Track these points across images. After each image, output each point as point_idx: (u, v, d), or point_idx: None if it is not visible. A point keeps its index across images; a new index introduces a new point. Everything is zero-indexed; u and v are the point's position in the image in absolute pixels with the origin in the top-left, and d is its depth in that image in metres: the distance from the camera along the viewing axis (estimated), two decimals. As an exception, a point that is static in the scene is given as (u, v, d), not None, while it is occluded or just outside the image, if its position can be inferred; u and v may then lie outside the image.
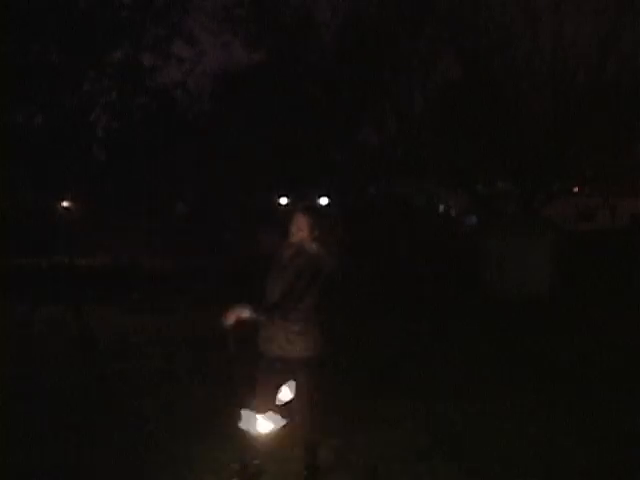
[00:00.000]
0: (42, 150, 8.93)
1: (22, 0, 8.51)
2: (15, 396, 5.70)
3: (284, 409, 3.67)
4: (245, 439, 3.72)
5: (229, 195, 17.48)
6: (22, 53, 8.48)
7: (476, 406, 5.47)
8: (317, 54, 16.10)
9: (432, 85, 15.80)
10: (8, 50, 8.41)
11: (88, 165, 10.01)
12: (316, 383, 3.70)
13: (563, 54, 13.84)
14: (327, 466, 4.04)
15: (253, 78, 16.10)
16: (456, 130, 14.78)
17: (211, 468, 4.13)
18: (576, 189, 21.03)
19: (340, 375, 6.42)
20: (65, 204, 16.31)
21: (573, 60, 13.91)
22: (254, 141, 15.31)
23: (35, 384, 6.25)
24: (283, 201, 23.65)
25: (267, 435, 3.66)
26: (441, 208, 28.62)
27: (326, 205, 20.63)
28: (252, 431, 3.66)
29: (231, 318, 3.51)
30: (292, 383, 3.67)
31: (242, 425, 3.69)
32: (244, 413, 3.68)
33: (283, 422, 3.67)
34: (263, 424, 3.64)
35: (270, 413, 3.64)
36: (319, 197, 20.84)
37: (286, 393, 3.69)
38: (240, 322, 3.53)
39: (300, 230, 3.73)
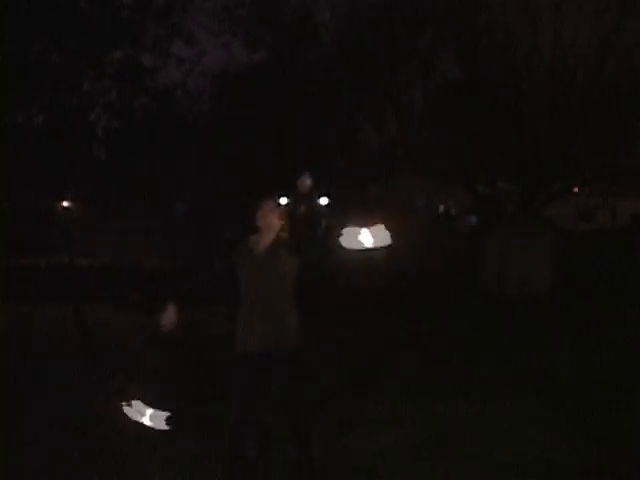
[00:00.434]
0: (42, 150, 8.92)
1: (22, 0, 8.51)
2: (15, 396, 5.70)
3: None
4: None
5: (229, 195, 17.47)
6: (22, 53, 8.46)
7: (476, 406, 5.47)
8: (317, 54, 16.11)
9: (432, 85, 15.81)
10: (8, 50, 8.40)
11: (88, 165, 10.00)
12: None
13: (563, 54, 13.85)
14: (327, 466, 4.04)
15: (253, 78, 16.10)
16: (456, 130, 14.78)
17: (210, 467, 4.13)
18: (576, 189, 21.02)
19: (340, 375, 6.44)
20: (65, 204, 16.30)
21: (573, 60, 13.91)
22: (254, 141, 15.31)
23: (35, 384, 6.25)
24: (283, 201, 23.60)
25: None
26: (441, 208, 28.61)
27: (326, 205, 20.63)
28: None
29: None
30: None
31: None
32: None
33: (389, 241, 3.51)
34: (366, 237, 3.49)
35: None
36: (319, 197, 20.83)
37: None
38: None
39: (271, 212, 3.75)
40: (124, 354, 7.76)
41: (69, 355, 7.61)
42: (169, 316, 3.70)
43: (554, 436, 4.74)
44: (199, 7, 12.21)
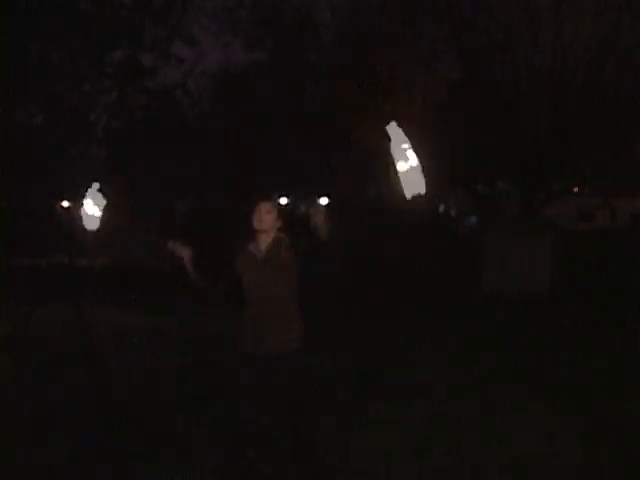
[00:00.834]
0: (42, 150, 8.93)
1: (22, 0, 8.51)
2: (15, 396, 5.70)
3: None
4: None
5: (229, 195, 17.47)
6: (22, 53, 8.47)
7: (476, 406, 5.47)
8: (317, 54, 16.10)
9: (432, 85, 15.80)
10: (8, 50, 8.40)
11: (88, 165, 10.01)
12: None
13: (563, 54, 13.84)
14: (327, 466, 4.04)
15: (253, 78, 16.10)
16: (456, 130, 14.77)
17: (211, 467, 4.14)
18: (576, 189, 21.02)
19: (339, 375, 6.43)
20: (65, 204, 16.31)
21: (573, 60, 13.90)
22: (254, 141, 15.30)
23: (35, 384, 6.24)
24: (283, 201, 23.65)
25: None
26: (441, 208, 28.63)
27: (326, 205, 20.62)
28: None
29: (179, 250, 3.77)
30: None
31: None
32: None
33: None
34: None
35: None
36: (319, 197, 20.84)
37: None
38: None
39: (268, 213, 3.73)
40: (124, 354, 7.75)
41: (69, 355, 7.60)
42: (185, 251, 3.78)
43: (554, 436, 4.75)
44: (199, 7, 12.22)
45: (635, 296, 10.74)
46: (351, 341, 8.19)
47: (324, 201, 20.53)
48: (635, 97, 13.94)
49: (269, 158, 15.37)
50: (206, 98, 16.54)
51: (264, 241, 3.74)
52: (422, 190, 3.49)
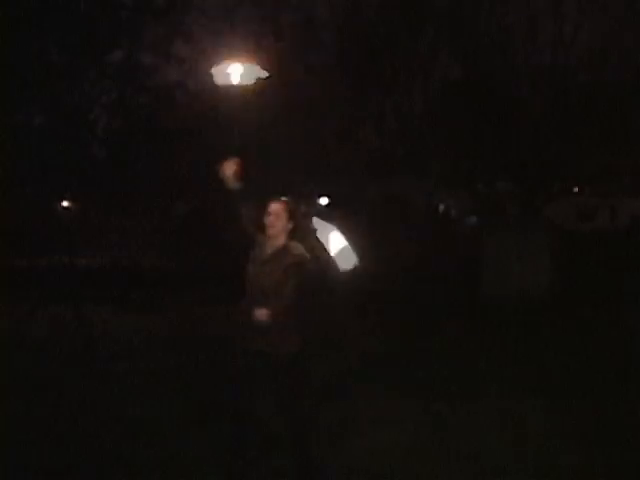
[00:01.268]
0: (42, 150, 8.92)
1: (22, 0, 8.51)
2: (15, 396, 5.70)
3: None
4: None
5: (229, 195, 17.43)
6: (22, 53, 8.47)
7: (476, 406, 5.47)
8: (317, 54, 16.12)
9: (432, 85, 15.82)
10: (8, 50, 8.40)
11: (88, 164, 10.01)
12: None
13: (563, 54, 13.86)
14: (327, 466, 4.04)
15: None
16: (456, 130, 14.78)
17: (211, 467, 4.13)
18: (576, 189, 21.05)
19: (339, 375, 6.43)
20: (65, 204, 16.31)
21: (573, 60, 13.92)
22: (254, 141, 15.29)
23: (35, 384, 6.24)
24: (324, 201, 23.52)
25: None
26: (441, 208, 28.59)
27: (326, 205, 20.63)
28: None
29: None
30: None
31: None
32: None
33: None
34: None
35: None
36: (319, 197, 20.84)
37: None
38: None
39: (279, 219, 3.72)
40: (124, 354, 7.75)
41: (69, 355, 7.60)
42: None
43: (554, 436, 4.75)
44: (199, 7, 12.20)
45: (635, 296, 10.75)
46: (350, 341, 8.20)
47: (324, 201, 20.54)
48: (635, 97, 13.94)
49: (269, 158, 15.36)
50: (206, 98, 16.51)
51: (273, 243, 3.73)
52: (355, 262, 3.78)
